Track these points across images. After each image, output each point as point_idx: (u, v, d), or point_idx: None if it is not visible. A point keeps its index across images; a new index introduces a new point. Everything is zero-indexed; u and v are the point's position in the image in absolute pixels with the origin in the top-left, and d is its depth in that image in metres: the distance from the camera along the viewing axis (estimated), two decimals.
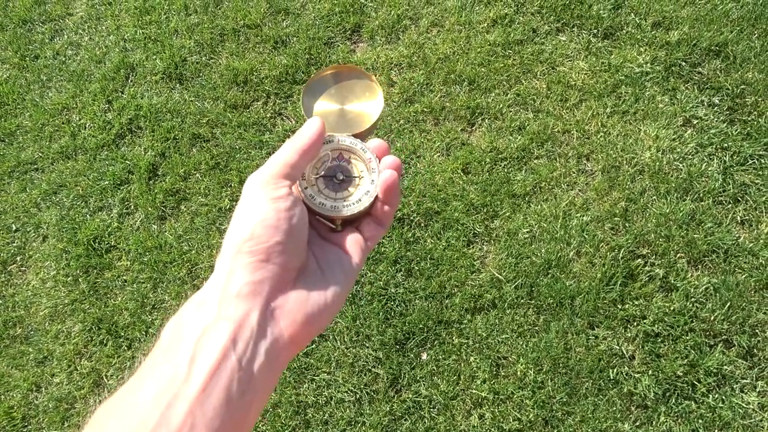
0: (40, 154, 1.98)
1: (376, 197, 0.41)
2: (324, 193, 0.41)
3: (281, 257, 0.34)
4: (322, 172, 0.42)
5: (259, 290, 0.33)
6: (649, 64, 1.75)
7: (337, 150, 0.43)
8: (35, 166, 1.97)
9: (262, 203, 0.35)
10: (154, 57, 2.12)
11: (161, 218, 1.77)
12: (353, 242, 0.40)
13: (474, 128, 1.78)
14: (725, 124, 1.62)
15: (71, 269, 1.71)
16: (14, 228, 1.85)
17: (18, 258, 1.79)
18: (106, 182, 1.86)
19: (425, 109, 1.82)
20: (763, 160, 1.54)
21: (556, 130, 1.70)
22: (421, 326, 1.46)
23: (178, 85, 2.05)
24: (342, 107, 0.45)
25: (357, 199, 0.41)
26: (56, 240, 1.79)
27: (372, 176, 0.41)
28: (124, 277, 1.68)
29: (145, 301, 1.62)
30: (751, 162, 1.55)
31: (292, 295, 0.35)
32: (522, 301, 1.45)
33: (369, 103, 0.45)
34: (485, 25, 1.96)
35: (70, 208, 1.84)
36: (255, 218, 0.34)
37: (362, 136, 0.44)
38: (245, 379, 0.30)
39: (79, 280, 1.69)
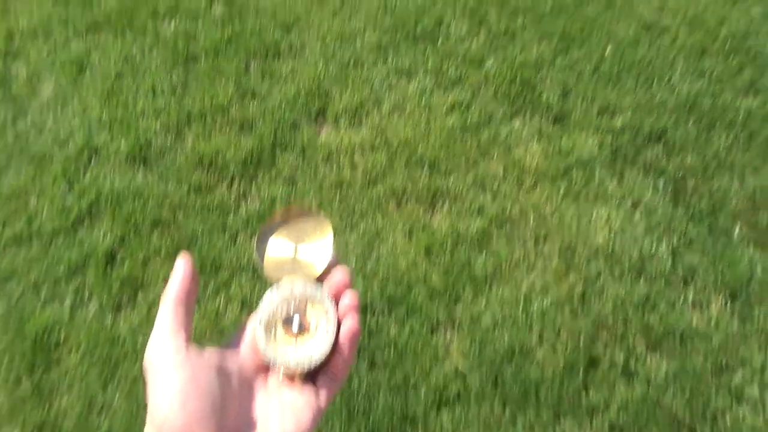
0: None
1: (333, 351, 0.40)
2: (278, 345, 0.40)
3: (205, 426, 0.33)
4: (279, 323, 0.41)
5: None
6: (597, 148, 1.86)
7: (294, 298, 0.42)
8: None
9: (165, 374, 0.34)
10: (120, 138, 2.12)
11: (116, 308, 1.71)
12: (305, 402, 0.39)
13: (435, 210, 1.82)
14: (671, 207, 1.70)
15: (14, 367, 1.61)
16: None
17: None
18: (61, 269, 1.80)
19: (387, 192, 1.86)
20: (707, 242, 1.62)
21: (513, 212, 1.76)
22: (386, 423, 1.41)
23: (142, 166, 2.05)
24: (295, 246, 0.44)
25: (310, 353, 0.39)
26: (1, 333, 1.69)
27: (328, 327, 0.40)
28: (72, 374, 1.58)
29: (93, 402, 1.52)
30: (696, 244, 1.62)
31: None
32: (487, 391, 1.43)
33: (321, 242, 0.44)
34: (444, 109, 2.06)
35: (19, 298, 1.76)
36: (165, 394, 0.33)
37: (320, 277, 0.43)
38: None
39: (23, 379, 1.58)
